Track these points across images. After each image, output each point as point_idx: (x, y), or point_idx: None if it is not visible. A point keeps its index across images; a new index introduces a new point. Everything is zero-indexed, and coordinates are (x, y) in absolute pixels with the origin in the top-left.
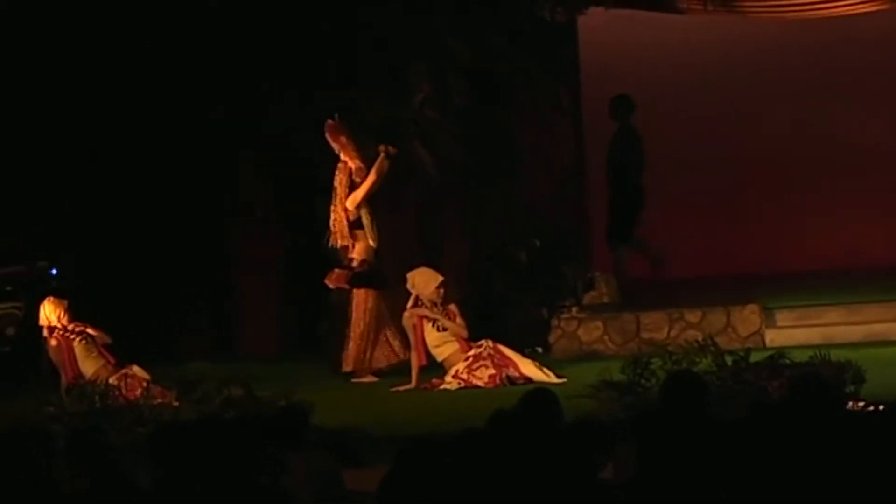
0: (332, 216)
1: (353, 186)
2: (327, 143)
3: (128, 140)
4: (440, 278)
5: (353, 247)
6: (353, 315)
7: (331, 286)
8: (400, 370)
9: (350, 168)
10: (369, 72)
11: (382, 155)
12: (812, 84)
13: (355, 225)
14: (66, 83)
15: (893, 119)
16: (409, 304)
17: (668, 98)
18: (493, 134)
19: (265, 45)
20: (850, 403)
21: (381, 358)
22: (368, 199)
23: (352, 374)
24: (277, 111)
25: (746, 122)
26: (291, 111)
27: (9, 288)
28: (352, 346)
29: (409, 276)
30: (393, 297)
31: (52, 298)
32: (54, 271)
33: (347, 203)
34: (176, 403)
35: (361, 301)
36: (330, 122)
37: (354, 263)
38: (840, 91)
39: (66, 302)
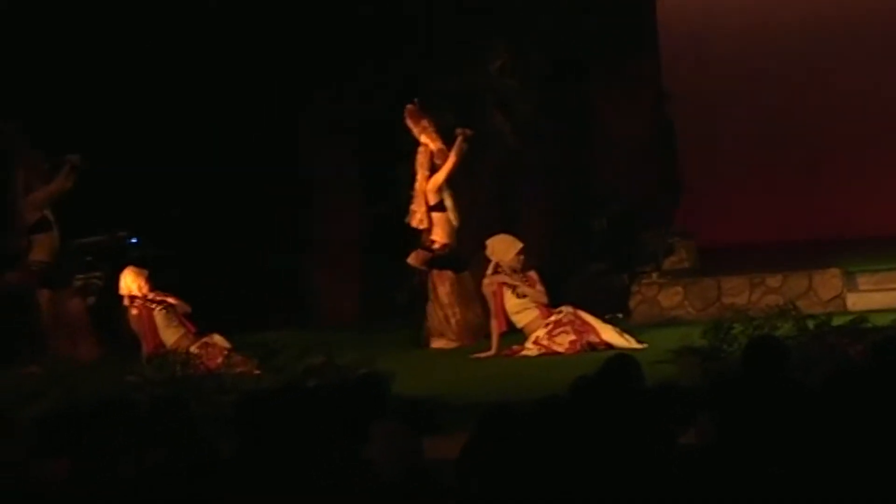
0: (413, 198)
1: (433, 168)
2: (404, 114)
3: (212, 112)
4: (520, 245)
5: (433, 229)
6: (433, 297)
7: (412, 265)
8: (481, 338)
9: (431, 151)
10: (447, 41)
11: (461, 138)
12: (891, 46)
13: (436, 207)
14: (159, 63)
15: None
16: (489, 270)
17: (748, 64)
18: (573, 103)
19: (343, 18)
20: None
21: (461, 335)
22: (448, 180)
23: (432, 346)
24: (355, 83)
25: (828, 85)
26: (369, 82)
27: (89, 258)
28: (432, 326)
29: (489, 242)
30: (473, 273)
31: (132, 268)
32: (135, 241)
33: (428, 186)
34: (257, 372)
35: (440, 283)
36: (410, 106)
37: (436, 246)
38: None
39: (146, 272)
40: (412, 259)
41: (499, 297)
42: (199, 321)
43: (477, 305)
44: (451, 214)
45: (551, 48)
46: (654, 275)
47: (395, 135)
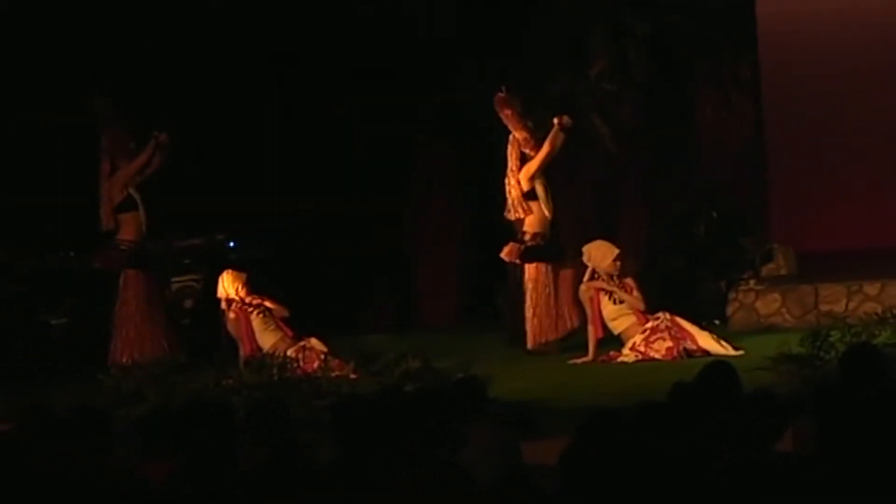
0: (507, 189)
1: (524, 159)
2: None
3: (309, 114)
4: (616, 251)
5: (527, 220)
6: (526, 290)
7: (505, 259)
8: (578, 343)
9: (518, 140)
10: (547, 44)
11: (557, 126)
12: None
13: (529, 197)
14: (270, 58)
15: None
16: (586, 277)
17: (846, 65)
18: (672, 107)
19: (441, 18)
20: None
21: (555, 329)
22: (544, 171)
23: (535, 349)
24: (455, 83)
25: None
26: (469, 83)
27: (187, 261)
28: (528, 322)
29: (586, 249)
30: (571, 269)
31: (230, 271)
32: (233, 244)
33: (520, 175)
34: (354, 376)
35: (533, 276)
36: (498, 94)
37: (527, 237)
38: None
39: (244, 275)
40: (505, 253)
41: (595, 302)
42: (297, 325)
43: (570, 298)
44: (544, 205)
45: (651, 52)
46: (752, 281)
47: (496, 136)
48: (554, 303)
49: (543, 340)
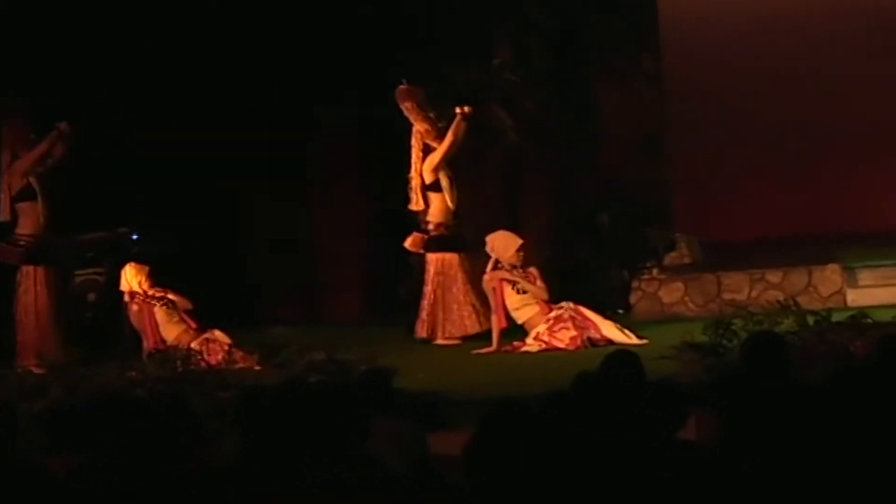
0: (410, 180)
1: (427, 150)
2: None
3: (207, 105)
4: (520, 241)
5: (430, 211)
6: (431, 281)
7: (409, 250)
8: (482, 334)
9: (420, 132)
10: (449, 36)
11: (459, 116)
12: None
13: (433, 188)
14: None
15: None
16: (489, 267)
17: (747, 58)
18: (576, 98)
19: (344, 16)
20: None
21: (463, 325)
22: (448, 162)
23: (428, 339)
24: (357, 76)
25: (828, 80)
26: (371, 75)
27: (90, 254)
28: (425, 312)
29: (489, 239)
30: (474, 261)
31: (133, 264)
32: (136, 237)
33: (424, 166)
34: (258, 368)
35: (437, 266)
36: (399, 87)
37: (430, 227)
38: None
39: (147, 268)
40: (409, 244)
41: (499, 293)
42: (201, 317)
43: (475, 290)
44: (448, 195)
45: (553, 44)
46: (655, 271)
47: (403, 130)
48: (457, 295)
49: (447, 332)
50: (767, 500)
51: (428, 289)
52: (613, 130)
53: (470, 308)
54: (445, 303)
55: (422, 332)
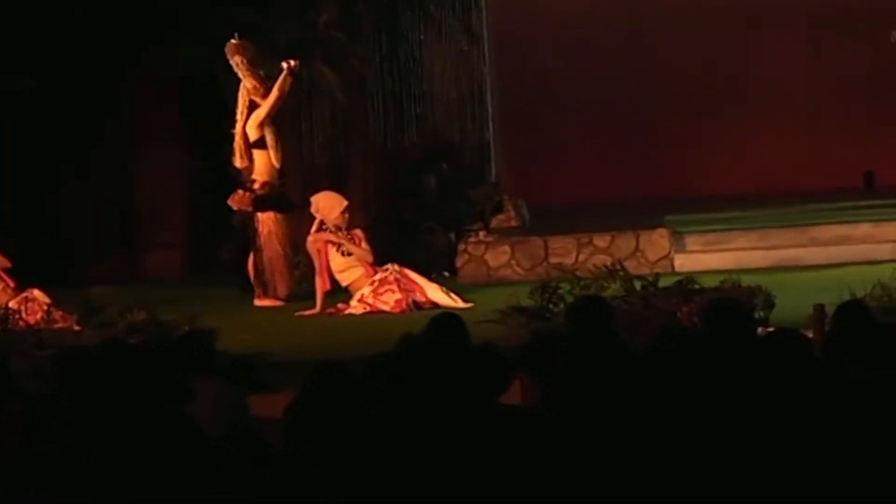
0: (234, 137)
1: (253, 107)
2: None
3: (29, 62)
4: (345, 203)
5: (255, 169)
6: (258, 239)
7: (234, 208)
8: (304, 295)
9: (247, 88)
10: None
11: (286, 72)
12: (724, 10)
13: (258, 145)
14: None
15: (804, 46)
16: (314, 228)
17: (577, 27)
18: (402, 57)
19: None
20: (760, 329)
21: (286, 284)
22: (273, 119)
23: (258, 301)
24: (178, 31)
25: (657, 49)
26: (193, 31)
27: None
28: (259, 274)
29: (314, 199)
30: (298, 220)
31: None
32: None
33: (248, 123)
34: (77, 328)
35: (265, 225)
36: (230, 42)
37: (256, 185)
38: (752, 17)
39: None
40: (234, 201)
41: (323, 254)
42: (20, 276)
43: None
44: (273, 153)
45: (377, 4)
46: (482, 233)
47: (221, 84)
48: (285, 255)
49: (274, 292)
50: (588, 466)
51: (259, 249)
52: (440, 91)
53: (288, 269)
54: (282, 262)
55: (257, 297)
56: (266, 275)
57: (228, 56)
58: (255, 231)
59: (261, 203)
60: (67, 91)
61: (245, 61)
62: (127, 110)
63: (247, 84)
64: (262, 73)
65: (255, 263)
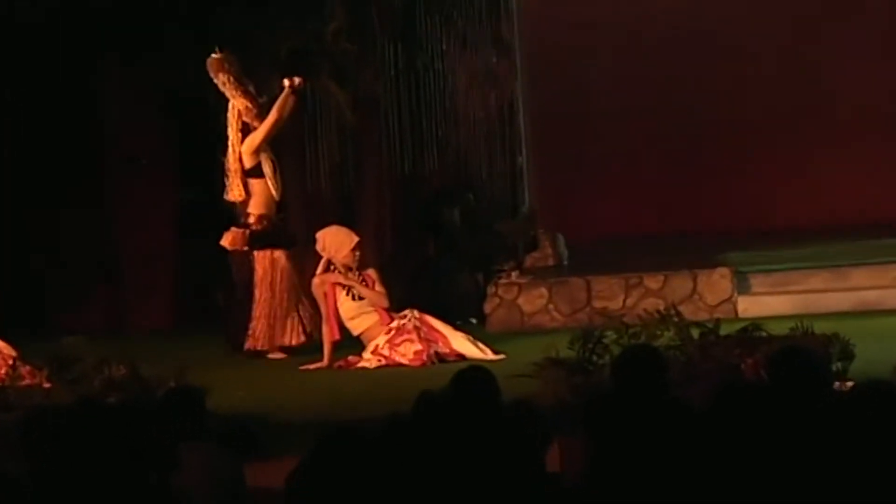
0: (227, 166)
1: (247, 131)
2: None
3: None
4: (355, 239)
5: (251, 201)
6: (256, 283)
7: (227, 248)
8: (311, 347)
9: (238, 110)
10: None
11: (287, 90)
12: (787, 34)
13: (253, 174)
14: None
15: (880, 72)
16: (320, 269)
17: (625, 33)
18: (421, 71)
19: None
20: (838, 384)
21: (291, 334)
22: (271, 144)
23: (256, 352)
24: (165, 44)
25: (710, 77)
26: (182, 43)
27: None
28: (256, 321)
29: (319, 235)
30: (303, 259)
31: None
32: None
33: (242, 148)
34: (47, 385)
35: (264, 266)
36: (212, 56)
37: (251, 220)
38: (821, 41)
39: None
40: (226, 241)
41: (331, 299)
42: None
43: (304, 294)
44: (271, 183)
45: (400, 9)
46: (514, 274)
47: (213, 106)
48: (289, 300)
49: (275, 343)
50: None
51: (257, 293)
52: (466, 110)
53: (296, 317)
54: (284, 308)
55: (252, 344)
56: (268, 326)
57: (212, 74)
58: (256, 273)
59: (256, 241)
60: (37, 120)
61: (232, 79)
62: (107, 136)
63: (237, 105)
64: (252, 89)
65: (255, 312)
